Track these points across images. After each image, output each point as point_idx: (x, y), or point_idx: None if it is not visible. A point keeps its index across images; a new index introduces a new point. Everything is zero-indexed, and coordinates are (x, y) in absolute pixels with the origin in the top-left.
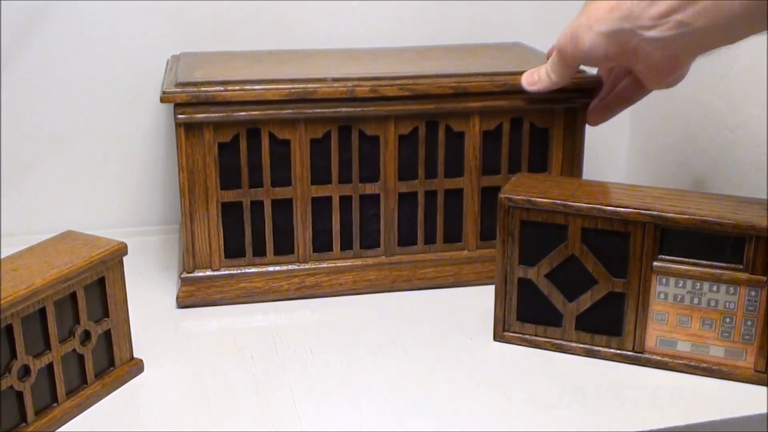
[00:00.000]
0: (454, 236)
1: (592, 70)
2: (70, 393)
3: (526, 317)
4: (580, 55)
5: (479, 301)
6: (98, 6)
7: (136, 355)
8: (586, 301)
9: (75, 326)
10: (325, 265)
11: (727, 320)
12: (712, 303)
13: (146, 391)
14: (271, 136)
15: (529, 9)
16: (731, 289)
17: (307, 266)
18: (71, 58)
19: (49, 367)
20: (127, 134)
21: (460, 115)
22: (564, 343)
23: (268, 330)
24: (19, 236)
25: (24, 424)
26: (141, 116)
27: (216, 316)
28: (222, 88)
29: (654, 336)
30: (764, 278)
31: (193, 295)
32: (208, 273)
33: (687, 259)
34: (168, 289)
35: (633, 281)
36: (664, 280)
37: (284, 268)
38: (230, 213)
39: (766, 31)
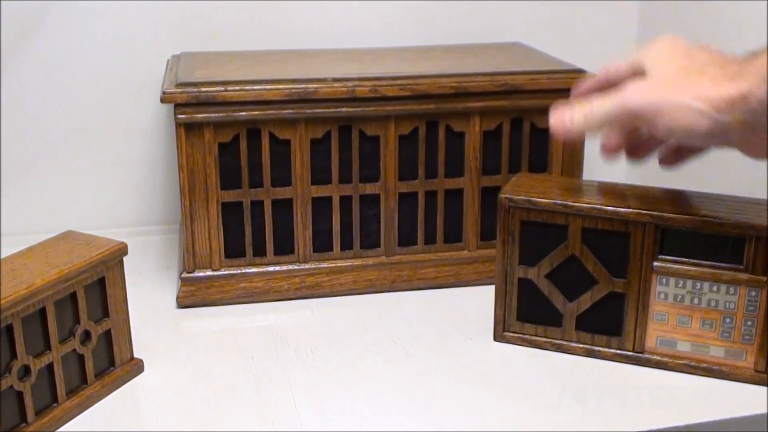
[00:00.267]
0: (454, 236)
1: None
2: (70, 393)
3: (526, 317)
4: (670, 132)
5: (479, 301)
6: (98, 6)
7: (136, 355)
8: (586, 301)
9: (75, 326)
10: (325, 265)
11: (727, 320)
12: (713, 303)
13: (146, 391)
14: (272, 136)
15: (529, 9)
16: (731, 289)
17: (307, 266)
18: (71, 58)
19: (49, 367)
20: (127, 134)
21: (460, 115)
22: (564, 343)
23: (268, 330)
24: (19, 236)
25: (24, 424)
26: (141, 116)
27: (216, 316)
28: (222, 88)
29: (654, 336)
30: (764, 278)
31: (193, 295)
32: (208, 273)
33: (687, 260)
34: (168, 289)
35: (633, 281)
36: (664, 280)
37: (284, 268)
38: (230, 213)
39: None
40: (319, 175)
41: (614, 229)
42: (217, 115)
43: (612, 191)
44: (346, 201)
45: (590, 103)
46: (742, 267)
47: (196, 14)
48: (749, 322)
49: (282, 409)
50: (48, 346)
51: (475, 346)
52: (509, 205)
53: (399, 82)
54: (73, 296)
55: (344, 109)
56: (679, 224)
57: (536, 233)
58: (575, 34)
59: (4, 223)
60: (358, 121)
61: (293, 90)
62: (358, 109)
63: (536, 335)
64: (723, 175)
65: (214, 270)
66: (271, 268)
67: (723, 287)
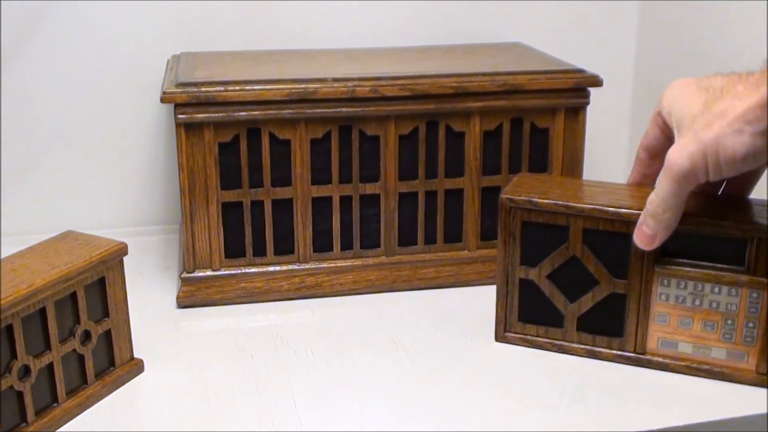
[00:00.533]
0: (454, 236)
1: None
2: (71, 393)
3: (527, 318)
4: (727, 166)
5: (479, 302)
6: (98, 6)
7: (136, 355)
8: (587, 302)
9: (75, 326)
10: (325, 265)
11: (729, 322)
12: (714, 305)
13: (146, 391)
14: (272, 136)
15: (529, 9)
16: (733, 290)
17: (307, 266)
18: (71, 58)
19: (50, 367)
20: (127, 134)
21: (460, 115)
22: (565, 344)
23: (268, 330)
24: (19, 236)
25: (24, 424)
26: (141, 116)
27: (216, 316)
28: (222, 88)
29: (656, 337)
30: (765, 280)
31: (193, 295)
32: (209, 273)
33: (688, 261)
34: (168, 289)
35: (634, 282)
36: (665, 281)
37: (284, 268)
38: (230, 213)
39: None
40: (319, 175)
41: (615, 230)
42: (217, 115)
43: (613, 192)
44: (346, 201)
45: (650, 201)
46: (743, 269)
47: (196, 14)
48: (751, 324)
49: (282, 409)
50: (48, 346)
51: (475, 347)
52: (510, 206)
53: (399, 82)
54: (73, 296)
55: (344, 109)
56: (680, 225)
57: (537, 234)
58: (575, 34)
59: (4, 223)
60: (358, 121)
61: (293, 90)
62: (358, 109)
63: (537, 336)
64: None
65: (214, 270)
66: (271, 268)
67: (724, 289)
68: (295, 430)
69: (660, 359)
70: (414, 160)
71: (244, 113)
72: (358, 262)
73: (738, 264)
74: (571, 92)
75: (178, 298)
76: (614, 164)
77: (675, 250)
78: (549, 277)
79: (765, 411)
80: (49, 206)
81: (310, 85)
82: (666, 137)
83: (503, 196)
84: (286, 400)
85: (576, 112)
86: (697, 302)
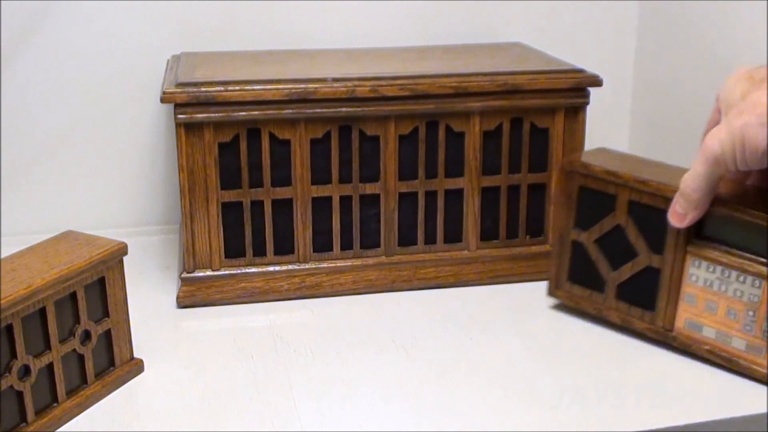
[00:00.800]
0: (454, 236)
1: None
2: (70, 393)
3: (575, 279)
4: (751, 157)
5: (479, 301)
6: (98, 6)
7: (136, 355)
8: (626, 271)
9: (75, 326)
10: (325, 265)
11: (750, 313)
12: (738, 293)
13: (146, 391)
14: (272, 136)
15: (529, 9)
16: (756, 282)
17: (307, 266)
18: (71, 58)
19: (49, 367)
20: (127, 134)
21: (460, 115)
22: (604, 310)
23: (268, 330)
24: (19, 236)
25: (24, 424)
26: (141, 116)
27: (216, 316)
28: (222, 88)
29: (683, 317)
30: None
31: (193, 295)
32: (208, 273)
33: (719, 245)
34: (168, 289)
35: (669, 259)
36: (697, 262)
37: (284, 268)
38: (230, 213)
39: None
40: (319, 175)
41: (656, 205)
42: (217, 115)
43: (669, 172)
44: (346, 201)
45: (683, 180)
46: (766, 261)
47: (196, 14)
48: None
49: (282, 409)
50: (48, 346)
51: (475, 347)
52: (569, 169)
53: (399, 82)
54: (73, 296)
55: (344, 109)
56: (717, 209)
57: (591, 199)
58: (575, 34)
59: (4, 223)
60: (358, 121)
61: (293, 90)
62: (358, 109)
63: (582, 297)
64: None
65: (214, 270)
66: (271, 268)
67: (749, 279)
68: (295, 430)
69: (684, 339)
70: (414, 160)
71: (244, 113)
72: (358, 262)
73: (765, 256)
74: (571, 92)
75: (178, 298)
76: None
77: (711, 233)
78: (596, 242)
79: (765, 411)
80: (49, 206)
81: (310, 85)
82: None
83: (564, 159)
84: (286, 400)
85: (576, 112)
86: (723, 288)
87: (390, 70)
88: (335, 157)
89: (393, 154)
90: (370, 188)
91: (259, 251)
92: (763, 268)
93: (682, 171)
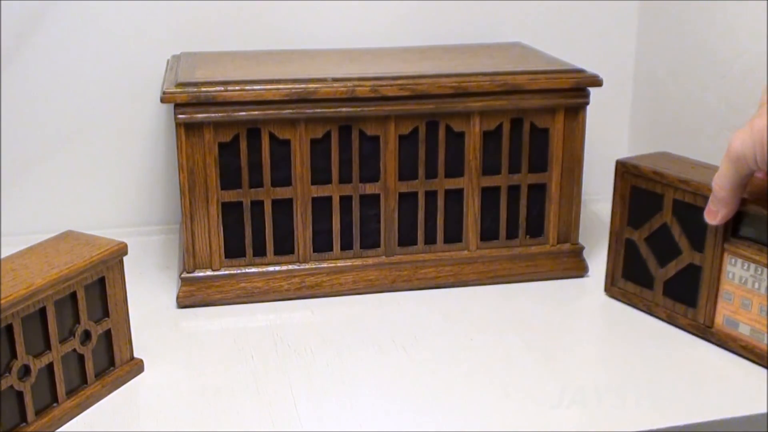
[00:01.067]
0: (454, 236)
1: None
2: (70, 393)
3: (628, 276)
4: (761, 161)
5: (479, 301)
6: (98, 6)
7: (136, 355)
8: (672, 268)
9: (75, 326)
10: (325, 265)
11: None
12: None
13: (146, 391)
14: (272, 136)
15: (529, 9)
16: None
17: (307, 266)
18: (71, 58)
19: (49, 367)
20: (127, 134)
21: (460, 115)
22: (653, 305)
23: (268, 330)
24: (19, 236)
25: (24, 424)
26: (141, 116)
27: (216, 316)
28: (222, 88)
29: (722, 314)
30: None
31: (193, 295)
32: (208, 273)
33: (754, 244)
34: (168, 289)
35: (708, 257)
36: (733, 260)
37: (284, 268)
38: (230, 213)
39: None
40: (319, 175)
41: (697, 204)
42: (217, 115)
43: (710, 172)
44: (346, 201)
45: (713, 180)
46: None
47: (196, 14)
48: None
49: (282, 409)
50: (48, 346)
51: (475, 347)
52: (622, 170)
53: (399, 82)
54: (73, 296)
55: (344, 109)
56: (748, 208)
57: (642, 199)
58: (575, 34)
59: (4, 223)
60: (358, 121)
61: (293, 90)
62: (358, 109)
63: (634, 294)
64: None
65: (214, 270)
66: (271, 268)
67: None
68: (295, 430)
69: (722, 336)
70: (414, 160)
71: (244, 113)
72: (358, 262)
73: None
74: (571, 92)
75: (178, 298)
76: (614, 164)
77: (747, 232)
78: (646, 240)
79: (765, 411)
80: (49, 206)
81: (310, 85)
82: None
83: (618, 160)
84: (286, 400)
85: (576, 112)
86: (756, 286)
87: (390, 70)
88: (335, 157)
89: (393, 154)
90: (370, 188)
91: (259, 251)
92: None
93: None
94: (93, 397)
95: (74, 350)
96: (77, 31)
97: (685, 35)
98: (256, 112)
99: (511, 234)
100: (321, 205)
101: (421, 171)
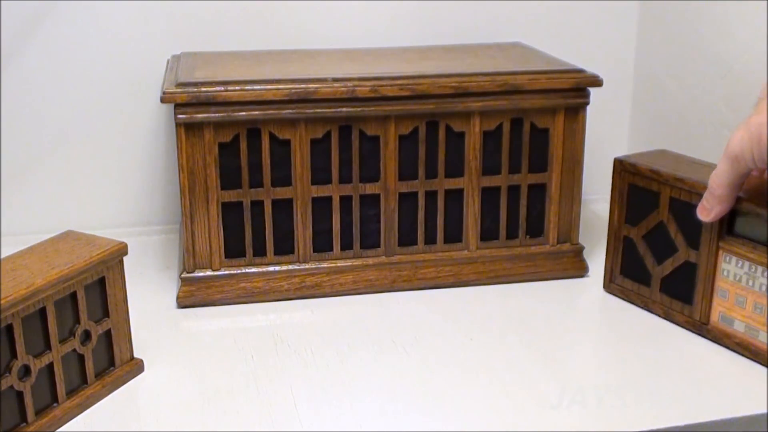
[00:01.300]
0: (454, 236)
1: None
2: (71, 393)
3: (626, 273)
4: (759, 160)
5: (479, 301)
6: (98, 6)
7: (136, 355)
8: (668, 266)
9: (75, 326)
10: (325, 265)
11: None
12: (763, 288)
13: (146, 391)
14: (272, 136)
15: (529, 9)
16: None
17: (307, 266)
18: (71, 58)
19: (50, 367)
20: (127, 134)
21: (460, 115)
22: (650, 302)
23: (268, 330)
24: (19, 236)
25: (24, 424)
26: (141, 116)
27: (216, 316)
28: (222, 88)
29: (717, 311)
30: None
31: (193, 295)
32: (208, 273)
33: (748, 242)
34: (168, 289)
35: (704, 254)
36: (727, 257)
37: (284, 268)
38: (230, 213)
39: None
40: (319, 175)
41: (693, 201)
42: (217, 115)
43: (707, 170)
44: (346, 201)
45: (710, 176)
46: None
47: (196, 14)
48: None
49: (282, 409)
50: (48, 346)
51: (475, 347)
52: (620, 168)
53: (399, 82)
54: (73, 296)
55: (344, 109)
56: (742, 206)
57: (639, 196)
58: (575, 34)
59: (4, 223)
60: (358, 121)
61: (293, 90)
62: (358, 109)
63: (632, 290)
64: None
65: (214, 270)
66: (271, 268)
67: None
68: (295, 430)
69: (718, 333)
70: (414, 160)
71: (244, 113)
72: (358, 262)
73: None
74: (571, 92)
75: (178, 298)
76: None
77: (741, 230)
78: (644, 237)
79: (765, 411)
80: (49, 206)
81: (310, 85)
82: None
83: (616, 158)
84: (286, 400)
85: (576, 112)
86: (751, 283)
87: (390, 70)
88: (335, 157)
89: (393, 154)
90: (370, 188)
91: (259, 251)
92: None
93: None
94: (93, 397)
95: (74, 350)
96: (77, 31)
97: (685, 35)
98: (256, 112)
99: (511, 234)
100: (321, 205)
101: (421, 171)
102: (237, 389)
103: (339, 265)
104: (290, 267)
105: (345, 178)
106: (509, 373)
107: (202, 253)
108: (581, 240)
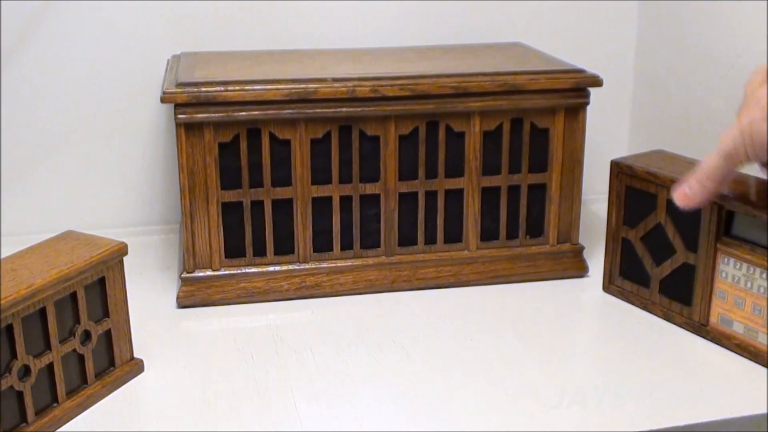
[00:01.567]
0: (454, 236)
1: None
2: (71, 393)
3: (625, 274)
4: (761, 150)
5: (479, 301)
6: (98, 6)
7: (136, 355)
8: (667, 267)
9: (75, 326)
10: (325, 265)
11: None
12: (761, 290)
13: (146, 391)
14: (272, 136)
15: (529, 9)
16: None
17: (307, 266)
18: (71, 58)
19: (50, 367)
20: (127, 134)
21: (460, 115)
22: (649, 303)
23: (268, 330)
24: (19, 236)
25: (24, 424)
26: (141, 116)
27: (216, 316)
28: (222, 88)
29: (716, 312)
30: None
31: (193, 295)
32: (209, 273)
33: (746, 243)
34: (168, 289)
35: (702, 256)
36: (726, 259)
37: (284, 268)
38: (230, 213)
39: None
40: (319, 175)
41: None
42: (217, 115)
43: None
44: (346, 201)
45: (700, 165)
46: None
47: (196, 14)
48: None
49: (282, 409)
50: (48, 346)
51: (475, 347)
52: (617, 171)
53: (399, 82)
54: (73, 296)
55: (344, 109)
56: (742, 208)
57: (637, 198)
58: (575, 34)
59: (4, 223)
60: (358, 121)
61: (293, 90)
62: (358, 109)
63: (631, 292)
64: None
65: (214, 270)
66: (271, 268)
67: None
68: (295, 430)
69: (717, 334)
70: (414, 160)
71: (244, 113)
72: (358, 262)
73: None
74: (571, 92)
75: (178, 298)
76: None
77: (739, 231)
78: (642, 239)
79: (765, 411)
80: (49, 206)
81: (310, 85)
82: None
83: (613, 160)
84: (286, 400)
85: (576, 112)
86: (749, 284)
87: (390, 70)
88: (335, 157)
89: (393, 154)
90: (370, 188)
91: (259, 251)
92: None
93: None
94: (93, 397)
95: (74, 350)
96: (77, 31)
97: (685, 35)
98: (256, 112)
99: (511, 234)
100: (321, 205)
101: (421, 171)
102: (237, 389)
103: (339, 265)
104: (290, 267)
105: (345, 178)
106: (509, 373)
107: (202, 253)
108: (581, 240)
